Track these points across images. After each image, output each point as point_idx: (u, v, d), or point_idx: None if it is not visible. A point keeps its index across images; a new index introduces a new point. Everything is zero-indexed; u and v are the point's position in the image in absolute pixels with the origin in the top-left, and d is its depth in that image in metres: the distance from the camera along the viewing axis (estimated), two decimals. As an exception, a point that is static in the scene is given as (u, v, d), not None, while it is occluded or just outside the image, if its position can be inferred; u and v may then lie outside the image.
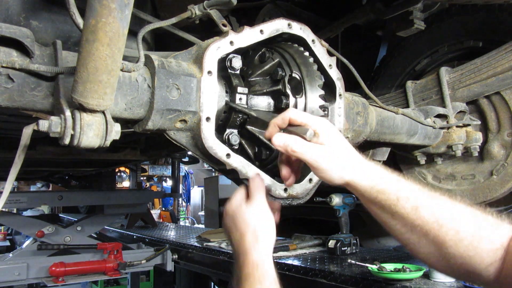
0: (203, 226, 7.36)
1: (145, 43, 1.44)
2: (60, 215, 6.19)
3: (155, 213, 7.68)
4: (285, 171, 1.03)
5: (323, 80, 1.34)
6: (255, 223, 0.99)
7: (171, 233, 4.00)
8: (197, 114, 1.11)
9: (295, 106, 1.23)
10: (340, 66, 1.50)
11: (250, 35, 1.20)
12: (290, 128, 0.95)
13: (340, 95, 1.41)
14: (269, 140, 0.98)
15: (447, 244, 0.86)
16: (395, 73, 2.43)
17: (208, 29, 1.52)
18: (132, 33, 0.96)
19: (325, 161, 0.91)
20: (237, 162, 1.16)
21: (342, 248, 2.31)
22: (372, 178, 0.93)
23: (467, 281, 1.40)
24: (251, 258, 0.95)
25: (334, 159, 0.92)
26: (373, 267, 1.78)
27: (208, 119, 1.12)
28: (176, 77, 1.07)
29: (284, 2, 2.10)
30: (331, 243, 2.34)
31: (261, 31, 1.22)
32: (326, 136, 0.93)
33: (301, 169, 1.06)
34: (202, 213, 9.92)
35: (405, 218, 0.90)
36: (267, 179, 1.23)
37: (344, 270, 1.94)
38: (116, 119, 0.95)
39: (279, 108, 1.24)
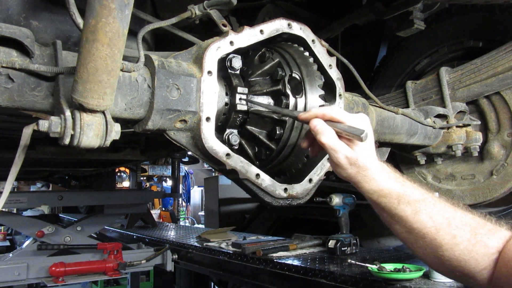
0: (203, 226, 7.35)
1: (145, 43, 1.44)
2: (60, 215, 6.18)
3: (155, 213, 7.69)
4: (305, 144, 1.04)
5: (323, 80, 1.34)
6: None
7: (171, 233, 4.00)
8: (197, 114, 1.11)
9: (295, 106, 1.23)
10: (340, 66, 1.50)
11: (250, 35, 1.20)
12: (342, 126, 0.94)
13: (340, 95, 1.41)
14: (301, 120, 1.00)
15: (443, 248, 0.89)
16: (395, 73, 2.43)
17: (208, 29, 1.52)
18: (132, 33, 0.96)
19: (345, 163, 0.94)
20: (237, 162, 1.16)
21: (342, 248, 2.31)
22: (377, 183, 0.95)
23: (461, 282, 1.43)
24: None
25: (353, 163, 0.94)
26: (373, 267, 1.77)
27: (208, 119, 1.12)
28: (176, 77, 1.07)
29: (284, 2, 2.10)
30: (331, 243, 2.33)
31: (261, 31, 1.22)
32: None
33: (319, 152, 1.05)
34: (202, 213, 9.92)
35: (404, 221, 0.94)
36: (267, 179, 1.22)
37: (344, 270, 1.93)
38: (116, 119, 0.95)
39: (279, 108, 1.24)
